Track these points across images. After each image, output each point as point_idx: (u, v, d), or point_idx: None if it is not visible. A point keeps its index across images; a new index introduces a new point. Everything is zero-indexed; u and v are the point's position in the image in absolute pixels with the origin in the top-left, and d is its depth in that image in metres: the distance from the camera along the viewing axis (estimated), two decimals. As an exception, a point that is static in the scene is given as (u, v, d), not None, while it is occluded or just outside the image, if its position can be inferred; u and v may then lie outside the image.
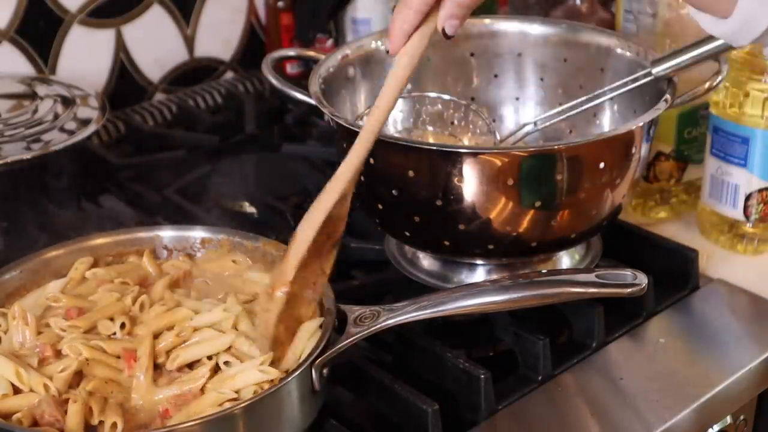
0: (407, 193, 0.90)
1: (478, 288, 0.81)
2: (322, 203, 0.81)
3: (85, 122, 1.09)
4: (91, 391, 0.77)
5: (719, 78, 0.95)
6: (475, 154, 0.88)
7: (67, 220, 1.10)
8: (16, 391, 0.78)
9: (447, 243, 0.93)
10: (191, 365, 0.80)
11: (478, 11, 1.31)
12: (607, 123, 1.07)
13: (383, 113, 0.80)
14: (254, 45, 1.52)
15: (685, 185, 1.16)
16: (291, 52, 1.13)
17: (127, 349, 0.79)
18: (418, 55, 0.78)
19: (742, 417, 0.96)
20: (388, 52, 0.78)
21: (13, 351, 0.81)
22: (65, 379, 0.77)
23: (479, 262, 0.97)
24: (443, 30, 0.76)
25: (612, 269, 0.81)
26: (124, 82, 1.40)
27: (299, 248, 0.80)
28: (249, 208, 1.16)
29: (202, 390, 0.77)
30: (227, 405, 0.75)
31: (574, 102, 1.05)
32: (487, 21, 1.11)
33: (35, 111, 1.10)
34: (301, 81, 1.39)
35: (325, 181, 1.16)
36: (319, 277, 0.82)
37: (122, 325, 0.82)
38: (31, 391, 0.77)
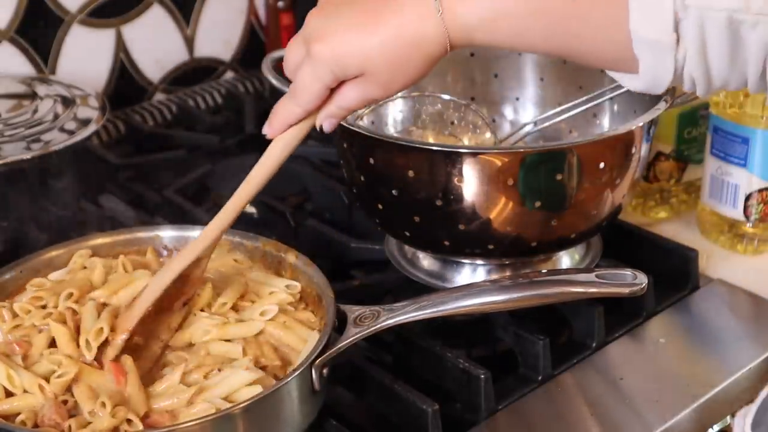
0: (407, 193, 0.90)
1: (478, 288, 0.81)
2: (175, 264, 0.83)
3: (85, 122, 1.09)
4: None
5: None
6: (475, 154, 0.88)
7: (67, 220, 1.10)
8: (9, 392, 0.78)
9: (447, 243, 0.93)
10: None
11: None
12: (607, 123, 1.07)
13: (252, 188, 0.82)
14: (254, 45, 1.52)
15: (685, 185, 1.16)
16: (291, 52, 1.13)
17: (115, 362, 0.79)
18: (294, 144, 0.80)
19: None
20: (262, 133, 0.80)
21: None
22: (62, 385, 0.77)
23: (479, 262, 0.97)
24: (321, 127, 0.79)
25: (612, 269, 0.81)
26: (124, 82, 1.40)
27: (144, 301, 0.82)
28: (249, 208, 1.16)
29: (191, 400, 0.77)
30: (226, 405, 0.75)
31: (574, 102, 1.05)
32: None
33: (35, 111, 1.10)
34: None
35: (325, 180, 1.16)
36: (165, 333, 0.83)
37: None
38: (25, 391, 0.78)
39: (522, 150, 0.91)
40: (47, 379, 0.78)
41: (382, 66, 0.73)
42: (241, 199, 0.82)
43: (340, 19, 0.74)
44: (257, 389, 0.76)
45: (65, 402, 0.76)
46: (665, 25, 0.68)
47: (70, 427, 0.74)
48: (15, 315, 0.84)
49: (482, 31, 0.72)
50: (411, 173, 0.89)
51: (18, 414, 0.76)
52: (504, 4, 0.71)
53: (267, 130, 0.80)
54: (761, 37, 0.67)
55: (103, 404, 0.74)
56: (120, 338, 0.80)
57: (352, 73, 0.74)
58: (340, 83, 0.76)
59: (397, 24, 0.72)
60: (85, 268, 0.90)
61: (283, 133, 0.80)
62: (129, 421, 0.75)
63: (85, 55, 1.35)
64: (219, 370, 0.79)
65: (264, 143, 1.30)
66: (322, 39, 0.74)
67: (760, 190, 1.06)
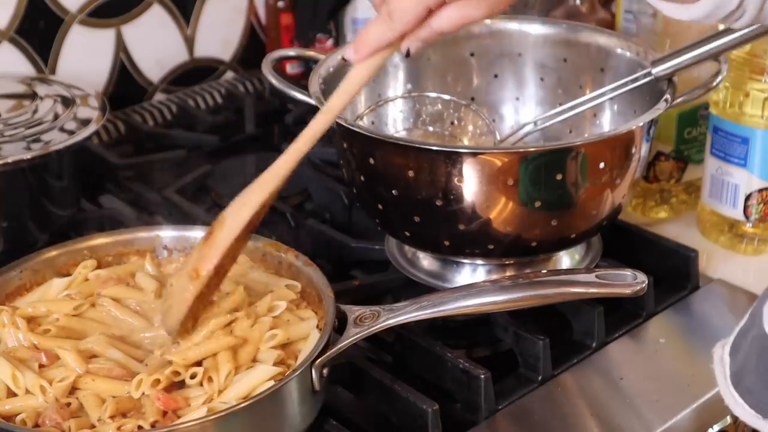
0: (407, 193, 0.90)
1: (478, 288, 0.81)
2: (254, 196, 0.80)
3: (85, 122, 1.09)
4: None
5: (719, 78, 0.95)
6: (475, 154, 0.88)
7: (67, 220, 1.10)
8: (10, 393, 0.78)
9: (447, 243, 0.93)
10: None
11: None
12: (607, 123, 1.07)
13: (332, 116, 0.80)
14: (254, 45, 1.52)
15: (685, 185, 1.16)
16: (291, 52, 1.13)
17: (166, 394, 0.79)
18: (377, 69, 0.78)
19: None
20: (343, 58, 0.77)
21: (8, 352, 0.81)
22: (64, 389, 0.77)
23: (479, 262, 0.97)
24: (408, 49, 0.77)
25: (612, 269, 0.82)
26: (124, 82, 1.40)
27: (229, 233, 0.79)
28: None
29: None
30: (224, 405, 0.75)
31: (574, 102, 1.05)
32: (487, 21, 1.11)
33: (35, 111, 1.10)
34: (301, 81, 1.40)
35: (325, 180, 1.16)
36: (230, 264, 0.82)
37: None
38: (28, 392, 0.78)
39: (522, 150, 0.91)
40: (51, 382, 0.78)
41: None
42: (320, 127, 0.80)
43: None
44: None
45: (68, 404, 0.76)
46: None
47: (70, 427, 0.74)
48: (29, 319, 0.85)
49: None
50: (411, 173, 0.89)
51: (18, 414, 0.76)
52: None
53: (352, 54, 0.77)
54: None
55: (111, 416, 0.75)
56: (205, 271, 0.78)
57: None
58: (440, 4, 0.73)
59: None
60: (87, 280, 0.90)
61: (368, 59, 0.77)
62: (140, 427, 0.75)
63: (85, 55, 1.35)
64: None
65: (264, 143, 1.31)
66: None
67: (760, 190, 1.06)
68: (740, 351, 0.68)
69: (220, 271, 0.80)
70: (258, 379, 0.77)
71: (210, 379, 0.77)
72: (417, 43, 0.76)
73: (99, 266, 0.92)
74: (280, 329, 0.82)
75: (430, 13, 0.74)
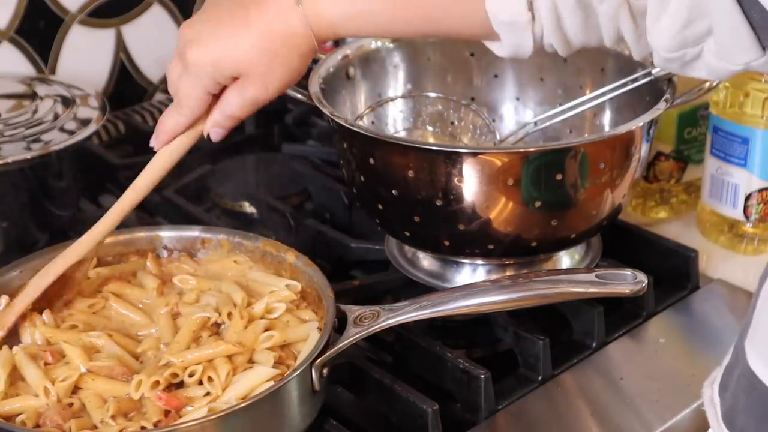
0: (407, 193, 0.90)
1: (478, 288, 0.81)
2: (56, 266, 0.86)
3: (85, 122, 1.09)
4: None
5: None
6: (475, 154, 0.88)
7: (67, 220, 1.10)
8: (9, 393, 0.78)
9: (447, 243, 0.93)
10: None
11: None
12: (607, 123, 1.07)
13: (137, 195, 0.85)
14: (254, 45, 1.51)
15: (685, 185, 1.16)
16: (291, 52, 1.13)
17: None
18: (180, 153, 0.84)
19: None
20: (149, 146, 0.85)
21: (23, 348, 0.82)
22: (66, 389, 0.77)
23: (479, 262, 0.97)
24: (208, 135, 0.82)
25: (612, 269, 0.81)
26: (124, 82, 1.40)
27: (23, 301, 0.84)
28: (249, 208, 1.16)
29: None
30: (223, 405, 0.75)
31: (574, 102, 1.05)
32: (487, 21, 1.11)
33: (35, 111, 1.10)
34: (301, 81, 1.40)
35: (325, 180, 1.16)
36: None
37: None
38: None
39: (522, 150, 0.91)
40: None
41: (256, 64, 0.76)
42: (124, 205, 0.85)
43: (210, 26, 0.77)
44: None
45: (70, 405, 0.76)
46: (519, 7, 0.73)
47: (70, 428, 0.74)
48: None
49: (345, 25, 0.76)
50: (411, 173, 0.89)
51: (19, 414, 0.76)
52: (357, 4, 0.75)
53: (153, 142, 0.83)
54: (609, 7, 0.72)
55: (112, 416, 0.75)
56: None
57: (229, 74, 0.77)
58: (222, 91, 0.79)
59: (263, 21, 0.75)
60: (89, 278, 0.90)
61: (168, 144, 0.83)
62: (143, 427, 0.75)
63: (85, 55, 1.35)
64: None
65: (264, 143, 1.31)
66: (196, 46, 0.77)
67: (760, 190, 1.06)
68: (729, 389, 0.68)
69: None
70: (257, 380, 0.77)
71: (210, 379, 0.77)
72: (217, 129, 0.82)
73: (99, 265, 0.92)
74: (276, 331, 0.82)
75: (215, 98, 0.79)
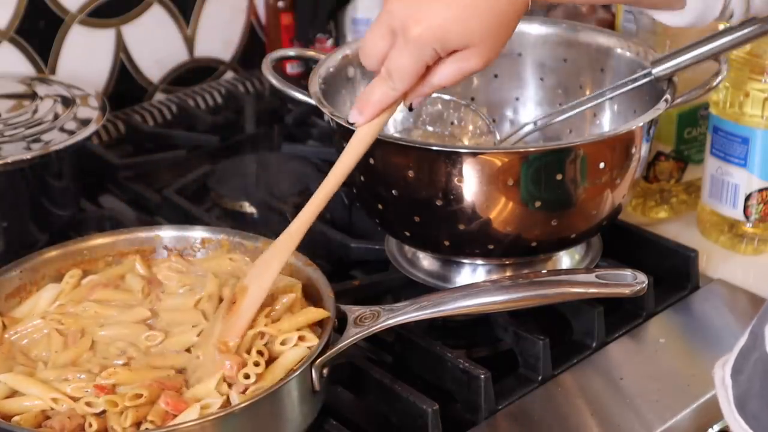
0: (407, 193, 0.90)
1: (478, 288, 0.81)
2: (278, 255, 0.83)
3: (85, 122, 1.09)
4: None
5: (719, 78, 0.95)
6: (475, 154, 0.88)
7: (67, 220, 1.10)
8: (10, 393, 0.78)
9: (447, 243, 0.93)
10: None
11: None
12: (607, 123, 1.07)
13: (339, 178, 0.82)
14: (254, 45, 1.52)
15: (685, 185, 1.16)
16: (291, 52, 1.13)
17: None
18: (382, 127, 0.81)
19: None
20: (349, 122, 0.81)
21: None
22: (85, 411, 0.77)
23: (479, 262, 0.97)
24: (410, 105, 0.80)
25: (612, 269, 0.82)
26: (124, 82, 1.40)
27: (254, 302, 0.81)
28: (249, 208, 1.16)
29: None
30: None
31: (574, 102, 1.05)
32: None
33: (35, 111, 1.10)
34: (301, 81, 1.40)
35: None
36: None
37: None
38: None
39: (522, 150, 0.91)
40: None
41: (483, 33, 0.74)
42: (331, 187, 0.83)
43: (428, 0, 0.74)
44: None
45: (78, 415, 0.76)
46: None
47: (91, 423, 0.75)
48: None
49: None
50: (411, 173, 0.89)
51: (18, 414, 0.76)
52: None
53: (358, 117, 0.80)
54: None
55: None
56: (233, 343, 0.79)
57: (456, 47, 0.75)
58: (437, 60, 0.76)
59: None
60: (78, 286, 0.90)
61: (374, 119, 0.80)
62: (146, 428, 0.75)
63: (85, 55, 1.35)
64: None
65: (264, 143, 1.31)
66: (418, 21, 0.74)
67: (760, 190, 1.06)
68: (743, 373, 0.67)
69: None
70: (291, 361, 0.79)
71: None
72: (419, 99, 0.79)
73: (97, 266, 0.92)
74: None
75: (428, 69, 0.77)
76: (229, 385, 0.76)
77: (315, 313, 0.81)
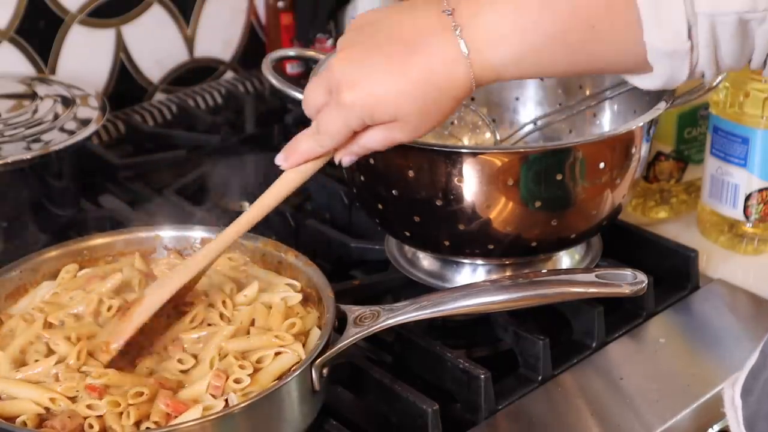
0: (407, 193, 0.90)
1: (478, 288, 0.81)
2: (174, 281, 0.83)
3: (85, 122, 1.09)
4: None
5: (719, 78, 0.95)
6: (475, 154, 0.88)
7: (67, 220, 1.10)
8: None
9: (447, 243, 0.93)
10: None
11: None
12: (607, 123, 1.07)
13: (259, 213, 0.83)
14: (254, 45, 1.52)
15: (685, 185, 1.16)
16: (291, 52, 1.13)
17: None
18: (308, 176, 0.82)
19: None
20: (275, 163, 0.83)
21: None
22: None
23: (479, 262, 0.97)
24: (339, 161, 0.81)
25: (612, 269, 0.81)
26: (124, 82, 1.40)
27: (145, 312, 0.82)
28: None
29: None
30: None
31: (574, 102, 1.05)
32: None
33: (35, 111, 1.10)
34: (301, 81, 1.40)
35: (325, 180, 1.16)
36: (154, 338, 0.84)
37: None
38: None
39: (522, 150, 0.91)
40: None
41: (413, 112, 0.75)
42: (246, 222, 0.83)
43: (369, 67, 0.74)
44: None
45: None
46: (679, 36, 0.70)
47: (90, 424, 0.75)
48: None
49: (509, 70, 0.74)
50: (411, 173, 0.89)
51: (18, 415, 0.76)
52: (530, 42, 0.72)
53: (282, 162, 0.82)
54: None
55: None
56: (115, 346, 0.80)
57: (383, 120, 0.76)
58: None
59: (425, 70, 0.73)
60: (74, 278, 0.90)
61: (299, 167, 0.81)
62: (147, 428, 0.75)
63: (85, 55, 1.35)
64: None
65: (264, 143, 1.31)
66: (352, 87, 0.74)
67: (760, 190, 1.06)
68: (753, 394, 0.67)
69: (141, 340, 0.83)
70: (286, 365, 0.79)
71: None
72: (349, 157, 0.80)
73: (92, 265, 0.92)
74: (297, 318, 0.83)
75: (356, 133, 0.78)
76: (214, 396, 0.77)
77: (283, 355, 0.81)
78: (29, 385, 0.78)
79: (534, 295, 0.80)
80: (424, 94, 0.74)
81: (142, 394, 0.75)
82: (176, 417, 0.75)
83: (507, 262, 0.97)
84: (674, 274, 1.03)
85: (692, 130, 1.13)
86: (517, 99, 1.12)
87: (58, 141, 1.04)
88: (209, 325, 0.84)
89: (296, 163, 0.81)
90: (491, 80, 0.75)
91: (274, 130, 1.34)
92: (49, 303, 0.86)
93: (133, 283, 0.88)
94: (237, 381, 0.77)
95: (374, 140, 0.78)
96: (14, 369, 0.80)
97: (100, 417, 0.75)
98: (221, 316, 0.84)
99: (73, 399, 0.77)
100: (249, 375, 0.77)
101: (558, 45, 0.72)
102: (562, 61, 0.74)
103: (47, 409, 0.76)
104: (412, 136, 0.77)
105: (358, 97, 0.74)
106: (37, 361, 0.80)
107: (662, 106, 0.92)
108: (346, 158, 0.80)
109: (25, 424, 0.75)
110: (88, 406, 0.75)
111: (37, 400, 0.76)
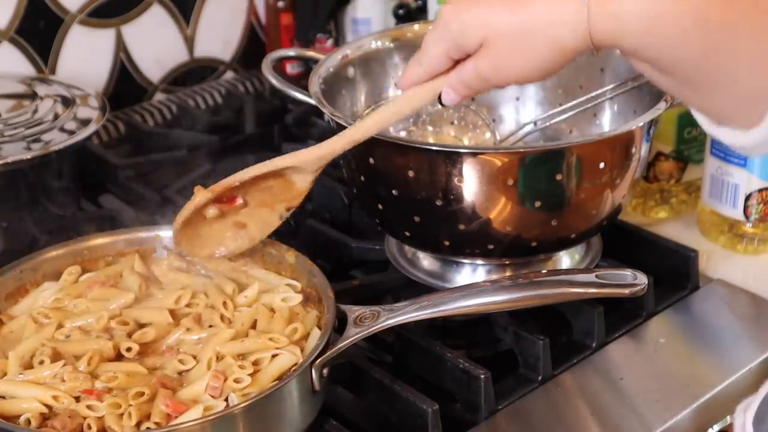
0: (407, 193, 0.90)
1: (478, 288, 0.81)
2: (279, 160, 0.85)
3: (85, 122, 1.09)
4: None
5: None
6: (475, 154, 0.88)
7: (67, 220, 1.10)
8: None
9: (447, 243, 0.93)
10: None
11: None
12: (607, 123, 1.07)
13: (372, 128, 0.84)
14: (254, 45, 1.52)
15: (685, 185, 1.16)
16: (291, 52, 1.13)
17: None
18: (418, 104, 0.82)
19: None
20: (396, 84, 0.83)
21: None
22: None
23: (479, 262, 0.97)
24: (439, 96, 0.79)
25: (612, 269, 0.81)
26: (124, 82, 1.40)
27: (240, 175, 0.85)
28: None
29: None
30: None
31: (574, 102, 1.05)
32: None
33: (35, 111, 1.10)
34: (301, 81, 1.40)
35: (325, 180, 1.16)
36: (261, 226, 0.88)
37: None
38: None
39: (522, 150, 0.91)
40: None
41: (502, 39, 0.70)
42: (365, 129, 0.84)
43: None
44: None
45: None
46: None
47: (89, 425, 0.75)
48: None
49: (635, 33, 0.65)
50: (411, 173, 0.89)
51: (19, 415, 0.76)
52: (664, 4, 0.64)
53: (399, 81, 0.82)
54: None
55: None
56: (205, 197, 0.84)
57: (471, 41, 0.73)
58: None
59: (533, 3, 0.69)
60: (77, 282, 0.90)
61: (411, 90, 0.81)
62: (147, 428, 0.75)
63: (85, 55, 1.35)
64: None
65: (264, 143, 1.31)
66: (452, 6, 0.73)
67: (760, 190, 1.06)
68: (765, 422, 0.66)
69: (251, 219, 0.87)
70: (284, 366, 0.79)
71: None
72: (449, 92, 0.78)
73: (97, 266, 0.92)
74: (299, 324, 0.83)
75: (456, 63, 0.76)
76: (213, 397, 0.77)
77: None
78: (33, 385, 0.78)
79: (534, 295, 0.80)
80: (520, 25, 0.69)
81: (142, 394, 0.75)
82: (176, 417, 0.75)
83: (507, 262, 0.97)
84: (674, 274, 1.03)
85: (692, 130, 1.13)
86: (517, 99, 1.12)
87: (58, 141, 1.04)
88: (210, 326, 0.84)
89: (406, 86, 0.80)
90: (610, 41, 0.67)
91: (274, 130, 1.34)
92: (55, 309, 0.86)
93: (134, 289, 0.89)
94: (237, 381, 0.77)
95: (468, 71, 0.75)
96: (21, 371, 0.80)
97: (99, 418, 0.75)
98: (222, 317, 0.84)
99: (77, 398, 0.77)
100: (249, 375, 0.77)
101: (695, 20, 0.63)
102: (694, 47, 0.64)
103: (49, 408, 0.76)
104: (497, 73, 0.73)
105: (453, 11, 0.72)
106: (42, 363, 0.80)
107: (662, 106, 0.92)
108: (446, 92, 0.78)
109: (28, 422, 0.75)
110: (89, 407, 0.75)
111: (40, 398, 0.76)
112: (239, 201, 0.87)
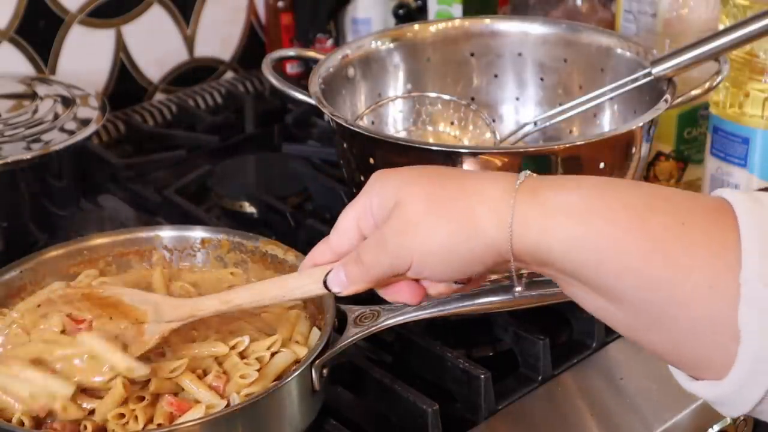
0: (407, 193, 0.90)
1: (478, 288, 0.81)
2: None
3: (85, 122, 1.09)
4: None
5: (719, 78, 0.95)
6: (475, 154, 0.88)
7: (67, 220, 1.10)
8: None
9: (447, 243, 0.93)
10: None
11: (479, 11, 1.31)
12: (607, 123, 1.07)
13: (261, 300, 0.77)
14: (254, 45, 1.52)
15: (685, 185, 1.16)
16: (291, 52, 1.13)
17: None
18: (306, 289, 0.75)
19: (742, 417, 0.95)
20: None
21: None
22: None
23: (479, 262, 0.97)
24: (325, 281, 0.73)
25: (612, 269, 0.81)
26: (124, 82, 1.40)
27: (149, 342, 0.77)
28: (249, 208, 1.16)
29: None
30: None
31: (574, 102, 1.05)
32: (487, 21, 1.11)
33: (35, 111, 1.10)
34: (301, 81, 1.40)
35: (325, 180, 1.16)
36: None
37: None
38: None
39: (522, 150, 0.91)
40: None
41: (430, 264, 0.66)
42: (234, 303, 0.77)
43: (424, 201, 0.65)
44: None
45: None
46: None
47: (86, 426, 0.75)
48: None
49: (561, 254, 0.60)
50: (411, 173, 0.88)
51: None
52: (598, 217, 0.58)
53: (333, 286, 0.73)
54: None
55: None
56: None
57: (388, 200, 0.68)
58: None
59: (463, 221, 0.63)
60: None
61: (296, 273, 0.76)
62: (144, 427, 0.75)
63: (85, 55, 1.35)
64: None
65: (264, 143, 1.31)
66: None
67: (760, 191, 1.05)
68: None
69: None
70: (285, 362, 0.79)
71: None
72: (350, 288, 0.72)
73: (97, 266, 0.92)
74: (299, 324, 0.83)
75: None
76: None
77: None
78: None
79: (534, 295, 0.80)
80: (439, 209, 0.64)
81: (143, 398, 0.75)
82: (180, 416, 0.75)
83: (507, 262, 0.97)
84: (674, 274, 1.03)
85: (692, 130, 1.13)
86: (517, 99, 1.12)
87: (58, 141, 1.04)
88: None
89: (306, 266, 0.74)
90: (531, 261, 0.64)
91: (274, 130, 1.34)
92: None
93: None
94: (243, 377, 0.77)
95: (364, 245, 0.71)
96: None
97: (95, 422, 0.75)
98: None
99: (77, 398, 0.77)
100: (257, 370, 0.78)
101: (631, 236, 0.57)
102: (630, 270, 0.57)
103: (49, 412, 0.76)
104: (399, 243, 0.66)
105: (381, 173, 0.69)
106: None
107: (662, 106, 0.92)
108: (333, 276, 0.72)
109: (21, 423, 0.75)
110: (90, 412, 0.75)
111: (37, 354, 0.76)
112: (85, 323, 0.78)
